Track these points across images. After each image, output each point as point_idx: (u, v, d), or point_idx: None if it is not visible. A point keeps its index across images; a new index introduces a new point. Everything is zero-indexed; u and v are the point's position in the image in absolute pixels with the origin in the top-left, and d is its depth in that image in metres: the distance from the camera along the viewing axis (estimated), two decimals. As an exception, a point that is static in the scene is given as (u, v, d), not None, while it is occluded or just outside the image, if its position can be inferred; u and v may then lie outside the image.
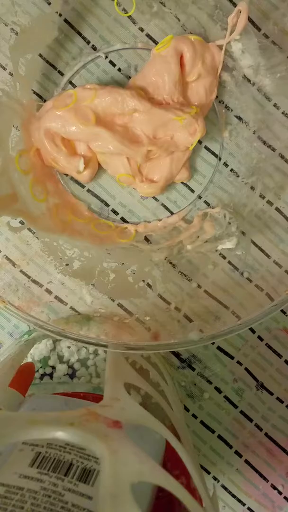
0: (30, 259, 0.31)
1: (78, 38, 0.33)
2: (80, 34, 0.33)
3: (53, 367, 0.35)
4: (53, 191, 0.33)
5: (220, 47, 0.32)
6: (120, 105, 0.31)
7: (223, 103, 0.34)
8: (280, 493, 0.36)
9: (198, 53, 0.31)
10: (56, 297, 0.32)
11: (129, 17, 0.32)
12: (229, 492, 0.36)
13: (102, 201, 0.34)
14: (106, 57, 0.33)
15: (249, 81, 0.33)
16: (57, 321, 0.35)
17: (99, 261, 0.32)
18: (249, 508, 0.36)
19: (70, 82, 0.33)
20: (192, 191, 0.35)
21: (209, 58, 0.32)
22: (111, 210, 0.34)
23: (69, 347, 0.35)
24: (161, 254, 0.32)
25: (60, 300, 0.32)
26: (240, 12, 0.29)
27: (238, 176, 0.34)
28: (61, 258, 0.31)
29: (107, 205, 0.34)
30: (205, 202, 0.34)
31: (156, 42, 0.33)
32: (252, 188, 0.33)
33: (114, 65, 0.33)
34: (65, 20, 0.32)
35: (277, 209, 0.33)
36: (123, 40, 0.33)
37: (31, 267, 0.32)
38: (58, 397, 0.27)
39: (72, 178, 0.34)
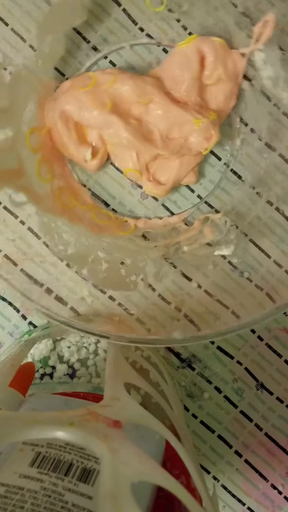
0: (31, 259, 0.31)
1: (104, 26, 0.33)
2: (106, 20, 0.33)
3: (53, 367, 0.35)
4: (59, 174, 0.33)
5: (243, 55, 0.32)
6: (138, 92, 0.30)
7: (238, 111, 0.34)
8: (280, 493, 0.36)
9: (220, 56, 0.31)
10: (56, 297, 0.32)
11: (158, 13, 0.33)
12: (229, 492, 0.36)
13: (102, 201, 0.34)
14: (131, 47, 0.33)
15: (267, 92, 0.33)
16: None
17: (94, 249, 0.32)
18: (249, 508, 0.36)
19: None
20: (195, 193, 0.35)
21: (231, 64, 0.32)
22: (111, 210, 0.34)
23: (69, 347, 0.35)
24: (157, 252, 0.32)
25: (60, 300, 0.32)
26: (267, 22, 0.29)
27: (244, 184, 0.34)
28: (57, 240, 0.31)
29: (107, 205, 0.34)
30: (208, 206, 0.34)
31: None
32: (258, 197, 0.33)
33: (136, 57, 0.33)
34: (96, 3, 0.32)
35: (277, 209, 0.33)
36: (151, 34, 0.33)
37: (31, 267, 0.32)
38: (58, 397, 0.27)
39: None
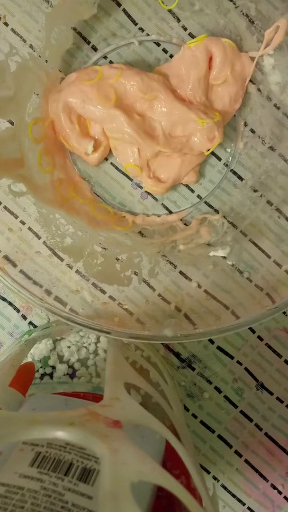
0: (31, 259, 0.31)
1: (104, 26, 0.33)
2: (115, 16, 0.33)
3: (53, 367, 0.35)
4: (60, 166, 0.33)
5: (252, 58, 0.32)
6: (144, 88, 0.30)
7: (242, 114, 0.34)
8: (280, 492, 0.36)
9: (229, 58, 0.31)
10: (56, 298, 0.32)
11: (170, 11, 0.33)
12: (229, 492, 0.36)
13: (102, 200, 0.34)
14: (140, 43, 0.33)
15: (274, 98, 0.33)
16: (58, 321, 0.35)
17: (91, 242, 0.32)
18: (249, 508, 0.36)
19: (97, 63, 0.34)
20: (195, 193, 0.35)
21: (239, 66, 0.32)
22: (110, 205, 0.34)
23: (69, 347, 0.35)
24: (152, 249, 0.32)
25: (60, 301, 0.32)
26: (279, 28, 0.30)
27: (244, 185, 0.34)
28: (54, 232, 0.31)
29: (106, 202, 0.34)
30: (208, 206, 0.34)
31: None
32: (258, 197, 0.33)
33: (143, 52, 0.33)
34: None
35: (277, 209, 0.33)
36: (158, 31, 0.33)
37: (31, 267, 0.32)
38: (58, 397, 0.27)
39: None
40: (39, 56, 0.31)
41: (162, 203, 0.35)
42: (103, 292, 0.32)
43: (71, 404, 0.26)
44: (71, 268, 0.32)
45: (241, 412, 0.36)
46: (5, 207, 0.32)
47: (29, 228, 0.32)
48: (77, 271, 0.32)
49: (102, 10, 0.33)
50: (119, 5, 0.33)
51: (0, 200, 0.31)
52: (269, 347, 0.36)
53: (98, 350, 0.35)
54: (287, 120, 0.33)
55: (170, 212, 0.35)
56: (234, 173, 0.34)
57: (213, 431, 0.36)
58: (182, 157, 0.32)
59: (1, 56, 0.30)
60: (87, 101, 0.30)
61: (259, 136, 0.34)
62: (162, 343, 0.36)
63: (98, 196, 0.34)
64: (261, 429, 0.36)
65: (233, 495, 0.36)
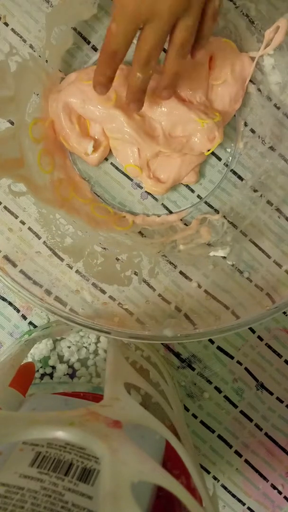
0: (31, 259, 0.31)
1: (104, 26, 0.33)
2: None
3: (53, 367, 0.35)
4: (60, 166, 0.33)
5: (252, 58, 0.32)
6: None
7: (242, 114, 0.34)
8: (280, 492, 0.36)
9: (228, 58, 0.31)
10: (56, 298, 0.32)
11: None
12: (229, 492, 0.36)
13: (102, 200, 0.34)
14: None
15: (274, 98, 0.33)
16: (58, 321, 0.35)
17: (91, 242, 0.32)
18: (249, 508, 0.36)
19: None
20: (195, 193, 0.35)
21: (239, 67, 0.32)
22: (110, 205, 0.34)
23: (69, 347, 0.35)
24: (153, 249, 0.33)
25: (60, 301, 0.32)
26: (279, 28, 0.30)
27: (244, 184, 0.34)
28: (54, 232, 0.31)
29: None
30: (208, 206, 0.34)
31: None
32: (258, 197, 0.33)
33: None
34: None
35: (277, 209, 0.33)
36: None
37: (31, 267, 0.32)
38: (58, 397, 0.27)
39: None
40: (39, 56, 0.31)
41: (162, 203, 0.35)
42: (103, 292, 0.32)
43: (71, 404, 0.26)
44: (71, 268, 0.32)
45: (241, 412, 0.36)
46: (5, 207, 0.32)
47: (29, 228, 0.32)
48: (77, 271, 0.32)
49: (102, 10, 0.33)
50: (108, 11, 0.33)
51: (0, 200, 0.31)
52: (269, 347, 0.36)
53: (98, 350, 0.35)
54: (287, 120, 0.33)
55: (170, 212, 0.35)
56: (234, 173, 0.34)
57: (213, 431, 0.36)
58: (182, 157, 0.32)
59: (1, 56, 0.30)
60: (87, 101, 0.30)
61: (259, 136, 0.34)
62: (162, 343, 0.36)
63: (98, 196, 0.34)
64: (261, 429, 0.36)
65: (233, 495, 0.36)
